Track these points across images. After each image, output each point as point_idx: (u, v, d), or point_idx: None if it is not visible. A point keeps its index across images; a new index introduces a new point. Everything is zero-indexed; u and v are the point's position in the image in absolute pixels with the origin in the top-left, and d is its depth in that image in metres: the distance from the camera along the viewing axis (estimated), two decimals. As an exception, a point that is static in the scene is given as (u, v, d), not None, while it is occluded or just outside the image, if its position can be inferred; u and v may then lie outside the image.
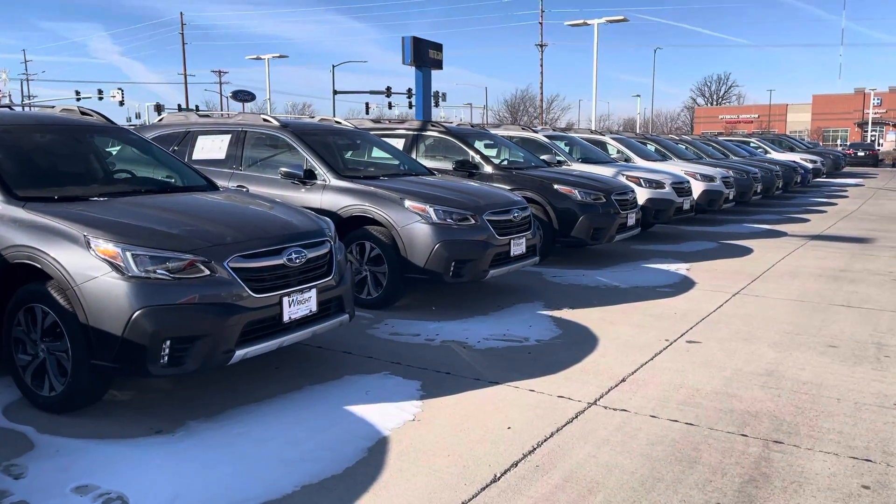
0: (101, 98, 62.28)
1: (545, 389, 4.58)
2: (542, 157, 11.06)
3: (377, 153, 8.54)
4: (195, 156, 7.63)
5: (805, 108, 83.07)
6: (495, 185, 9.01)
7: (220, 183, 7.17)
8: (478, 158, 9.42)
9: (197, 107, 61.12)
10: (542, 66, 71.24)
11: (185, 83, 67.67)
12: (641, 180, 11.15)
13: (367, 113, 63.04)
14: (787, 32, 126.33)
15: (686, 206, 11.60)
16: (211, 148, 7.55)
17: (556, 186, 8.95)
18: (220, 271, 3.94)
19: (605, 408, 4.30)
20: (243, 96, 55.86)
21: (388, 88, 55.41)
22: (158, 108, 61.72)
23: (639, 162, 13.73)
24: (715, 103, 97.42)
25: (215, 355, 3.90)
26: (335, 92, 58.47)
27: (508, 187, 9.02)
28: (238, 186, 7.14)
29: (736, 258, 9.80)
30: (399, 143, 9.87)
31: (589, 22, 30.19)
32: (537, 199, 8.94)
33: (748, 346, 5.62)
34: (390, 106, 64.05)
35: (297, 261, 4.32)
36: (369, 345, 5.52)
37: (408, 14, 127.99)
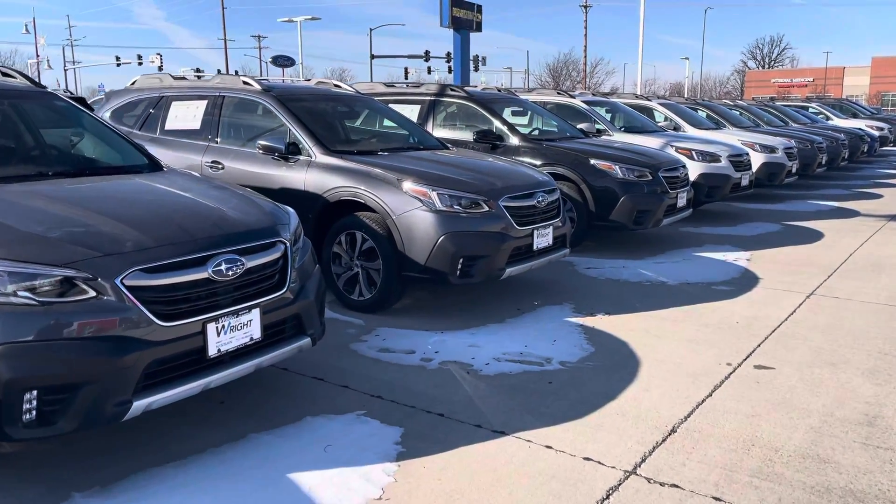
0: (140, 63, 62.06)
1: (567, 445, 3.40)
2: (579, 127, 9.74)
3: (382, 123, 7.32)
4: (168, 125, 6.54)
5: (863, 71, 78.74)
6: (522, 159, 7.77)
7: (192, 159, 6.09)
8: (503, 128, 8.14)
9: (198, 69, 60.27)
10: (585, 28, 68.67)
11: (225, 48, 66.97)
12: (694, 153, 9.73)
13: (406, 78, 61.61)
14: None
15: (745, 183, 10.16)
16: (185, 116, 6.44)
17: (592, 161, 7.65)
18: (109, 292, 2.83)
19: (649, 481, 3.10)
20: (283, 61, 54.88)
21: (427, 52, 53.82)
22: (199, 73, 61.33)
23: (690, 131, 12.25)
24: (767, 66, 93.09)
25: (104, 409, 2.81)
26: (372, 56, 57.23)
27: (537, 162, 7.76)
28: (213, 162, 6.04)
29: (805, 245, 8.39)
30: (414, 111, 8.65)
31: (636, -22, 28.18)
32: (571, 177, 7.66)
33: (836, 375, 4.34)
34: (429, 70, 62.44)
35: (231, 272, 3.18)
36: (348, 368, 4.39)
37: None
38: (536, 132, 9.28)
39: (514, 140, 8.02)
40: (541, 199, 5.60)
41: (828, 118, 23.17)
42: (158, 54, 60.32)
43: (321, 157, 5.56)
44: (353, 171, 5.38)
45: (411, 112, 8.68)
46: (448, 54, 46.03)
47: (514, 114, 9.17)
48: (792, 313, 5.61)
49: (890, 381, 4.26)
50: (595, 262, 7.38)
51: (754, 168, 11.55)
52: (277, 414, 3.70)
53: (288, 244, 3.57)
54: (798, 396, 4.01)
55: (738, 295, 6.16)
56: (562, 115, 11.07)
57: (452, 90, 8.65)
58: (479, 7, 37.78)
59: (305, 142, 5.65)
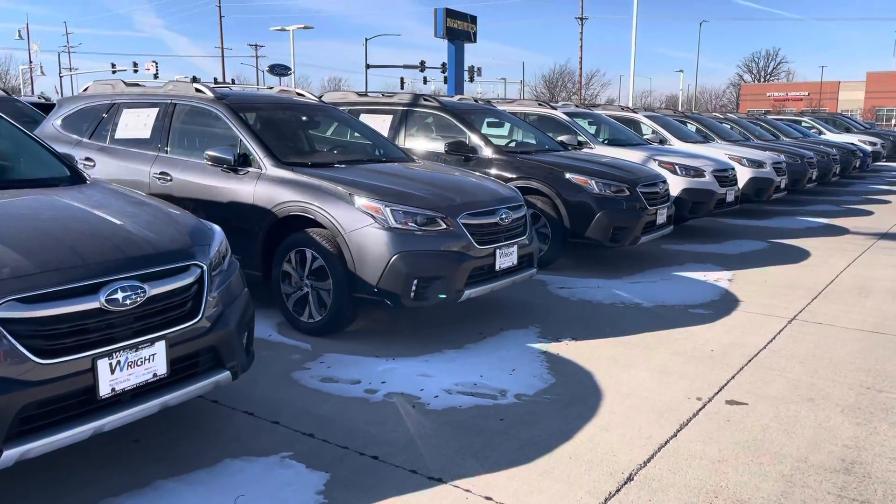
0: (136, 70, 61.86)
1: (509, 496, 3.05)
2: (559, 139, 9.44)
3: (344, 134, 6.98)
4: (118, 134, 6.20)
5: (858, 85, 78.83)
6: (495, 172, 7.45)
7: (140, 169, 5.76)
8: (476, 140, 7.82)
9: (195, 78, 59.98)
10: (581, 39, 68.74)
11: (223, 56, 66.88)
12: (677, 167, 9.42)
13: (402, 88, 61.42)
14: (840, 7, 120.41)
15: (730, 198, 9.84)
16: (136, 124, 6.10)
17: (568, 176, 7.32)
18: (-24, 326, 2.47)
19: (595, 542, 2.75)
20: (280, 70, 54.63)
21: (422, 62, 53.75)
22: (195, 81, 61.03)
23: (676, 144, 11.95)
24: (762, 80, 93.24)
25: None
26: (367, 66, 57.19)
27: (511, 175, 7.45)
28: (161, 173, 5.70)
29: (790, 264, 8.07)
30: (386, 121, 8.34)
31: (629, -10, 28.01)
32: (545, 191, 7.34)
33: (814, 413, 4.00)
34: (425, 81, 62.42)
35: (129, 301, 2.83)
36: (285, 400, 4.03)
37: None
38: (513, 144, 8.97)
39: (487, 152, 7.70)
40: (504, 215, 5.26)
41: (820, 132, 22.96)
42: (154, 62, 60.19)
43: (271, 170, 5.22)
44: (303, 184, 5.03)
45: (383, 122, 8.37)
46: (443, 65, 45.90)
47: (490, 125, 8.87)
48: (771, 341, 5.28)
49: (870, 419, 3.92)
50: (568, 281, 7.04)
51: (741, 183, 11.26)
52: (193, 456, 3.34)
53: (205, 267, 3.22)
54: (771, 438, 3.67)
55: (716, 319, 5.83)
56: (543, 127, 10.78)
57: (426, 100, 8.33)
58: (474, 18, 37.62)
59: (256, 153, 5.31)
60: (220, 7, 66.80)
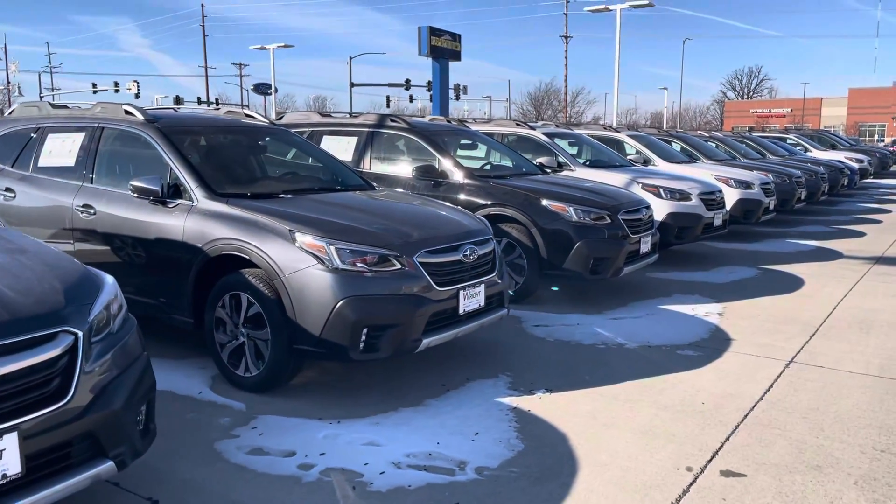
0: (116, 90, 61.14)
1: None
2: (538, 161, 8.91)
3: (295, 159, 6.38)
4: (41, 161, 5.59)
5: (840, 102, 79.43)
6: (466, 198, 6.90)
7: (63, 201, 5.15)
8: (446, 163, 7.26)
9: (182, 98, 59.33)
10: (566, 58, 68.88)
11: (206, 76, 66.39)
12: (662, 190, 8.89)
13: (388, 107, 61.08)
14: (820, 24, 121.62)
15: (718, 223, 9.32)
16: (60, 151, 5.49)
17: (544, 202, 6.76)
18: None
19: None
20: (264, 89, 54.25)
21: (408, 81, 53.50)
22: (178, 101, 60.27)
23: (660, 165, 11.45)
24: (746, 97, 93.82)
25: None
26: (352, 84, 56.93)
27: (484, 202, 6.89)
28: (84, 206, 5.08)
29: (783, 294, 7.52)
30: (350, 143, 7.78)
31: (611, 7, 27.83)
32: (520, 219, 6.77)
33: (822, 485, 3.42)
34: (411, 99, 62.15)
35: (-33, 386, 2.21)
36: (199, 480, 3.40)
37: (431, 4, 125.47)
38: (488, 167, 8.42)
39: (458, 176, 7.13)
40: (469, 251, 4.67)
41: (806, 150, 22.63)
42: (135, 81, 59.45)
43: (204, 202, 4.61)
44: (238, 219, 4.43)
45: (348, 145, 7.80)
46: (429, 83, 45.56)
47: (463, 147, 8.31)
48: (768, 389, 4.70)
49: (890, 495, 3.34)
50: (545, 317, 6.45)
51: (729, 205, 10.75)
52: (69, 566, 2.70)
53: (80, 334, 2.60)
54: (775, 524, 3.08)
55: (707, 363, 5.25)
56: (522, 148, 10.27)
57: (393, 121, 7.77)
58: (458, 36, 37.29)
59: (187, 182, 4.71)
60: (203, 26, 66.50)
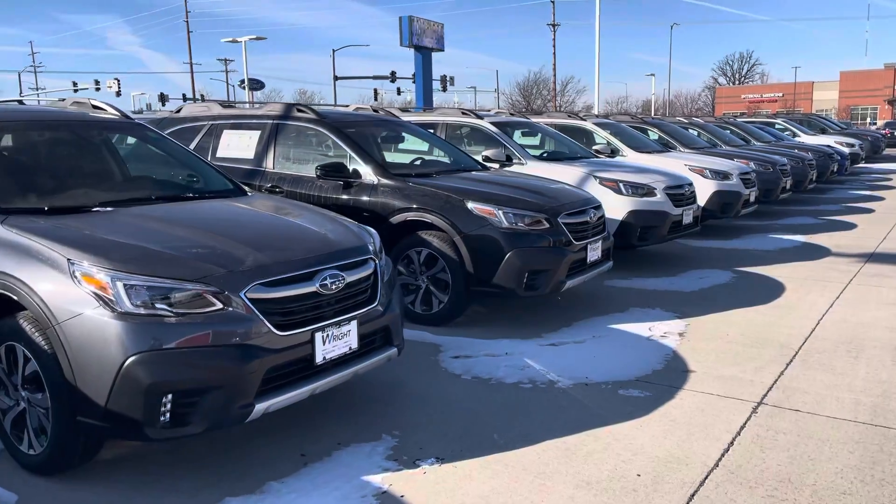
0: (97, 89, 59.83)
1: None
2: (485, 154, 7.84)
3: (158, 160, 5.21)
4: None
5: (832, 85, 78.33)
6: (381, 201, 5.81)
7: None
8: (359, 161, 6.14)
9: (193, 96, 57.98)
10: (554, 46, 67.83)
11: (192, 72, 65.02)
12: (622, 185, 7.78)
13: (376, 100, 59.75)
14: (811, 7, 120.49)
15: (687, 220, 8.22)
16: None
17: (470, 205, 5.65)
18: None
19: None
20: (252, 84, 52.98)
21: (393, 73, 52.31)
22: (163, 98, 58.85)
23: (630, 156, 10.34)
24: (737, 82, 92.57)
25: None
26: (336, 78, 55.84)
27: (399, 205, 5.79)
28: None
29: (759, 306, 6.43)
30: (252, 138, 6.67)
31: (590, -10, 26.58)
32: (440, 225, 5.66)
33: None
34: (399, 91, 60.94)
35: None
36: None
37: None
38: (420, 162, 7.30)
39: (370, 177, 6.01)
40: (328, 279, 3.53)
41: (794, 135, 21.57)
42: (116, 79, 58.06)
43: (-22, 223, 3.48)
44: (10, 244, 3.30)
45: (249, 140, 6.68)
46: (414, 75, 44.39)
47: (386, 140, 7.19)
48: (727, 450, 3.61)
49: None
50: (470, 344, 5.34)
51: (704, 199, 9.70)
52: None
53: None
54: None
55: (653, 408, 4.16)
56: (472, 140, 9.19)
57: (300, 111, 6.64)
58: (440, 25, 36.14)
59: (-41, 197, 3.57)
60: (187, 22, 65.14)
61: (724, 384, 4.51)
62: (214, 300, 3.14)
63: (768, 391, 4.40)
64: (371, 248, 3.96)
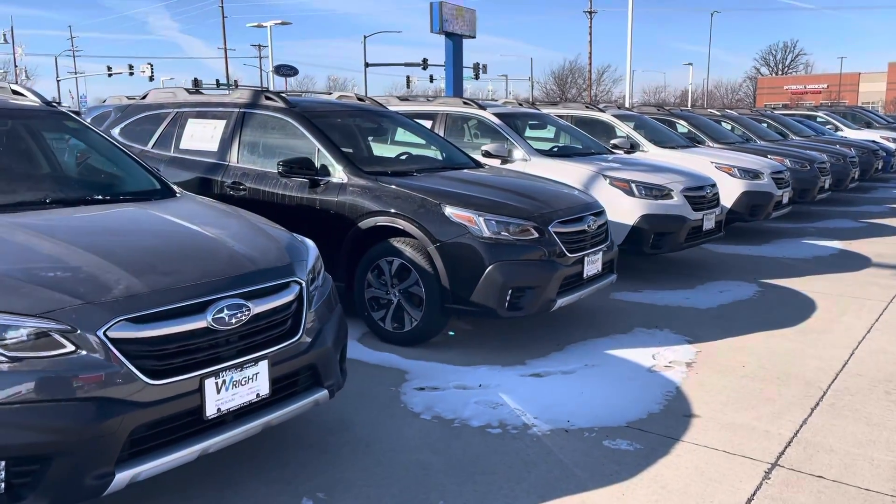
0: (131, 73, 60.10)
1: None
2: (484, 149, 7.11)
3: (93, 157, 4.56)
4: None
5: (880, 77, 75.48)
6: (350, 202, 5.14)
7: None
8: (328, 156, 5.45)
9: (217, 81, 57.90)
10: (590, 34, 66.41)
11: (226, 57, 65.06)
12: (633, 185, 6.97)
13: (408, 87, 59.12)
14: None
15: (709, 226, 7.38)
16: None
17: (447, 210, 4.91)
18: None
19: None
20: (285, 71, 52.74)
21: (425, 60, 51.68)
22: (196, 83, 58.98)
23: (651, 152, 9.49)
24: (780, 73, 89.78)
25: None
26: (367, 64, 55.42)
27: (371, 208, 5.11)
28: None
29: (784, 328, 5.61)
30: (217, 128, 6.03)
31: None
32: (413, 233, 4.95)
33: None
34: (431, 79, 60.17)
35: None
36: None
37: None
38: (406, 157, 6.58)
39: (339, 175, 5.32)
40: (230, 313, 2.83)
41: (836, 129, 20.31)
42: (149, 64, 58.27)
43: None
44: None
45: (214, 130, 6.05)
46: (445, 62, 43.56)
47: (367, 133, 6.48)
48: (726, 537, 2.85)
49: None
50: (440, 371, 4.63)
51: (732, 199, 8.85)
52: None
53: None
54: None
55: (641, 469, 3.40)
56: (477, 132, 8.48)
57: (269, 98, 5.96)
58: (472, 11, 35.25)
59: None
60: (222, 7, 65.08)
61: (732, 436, 3.74)
62: (63, 340, 2.47)
63: (786, 447, 3.61)
64: (298, 267, 3.25)
